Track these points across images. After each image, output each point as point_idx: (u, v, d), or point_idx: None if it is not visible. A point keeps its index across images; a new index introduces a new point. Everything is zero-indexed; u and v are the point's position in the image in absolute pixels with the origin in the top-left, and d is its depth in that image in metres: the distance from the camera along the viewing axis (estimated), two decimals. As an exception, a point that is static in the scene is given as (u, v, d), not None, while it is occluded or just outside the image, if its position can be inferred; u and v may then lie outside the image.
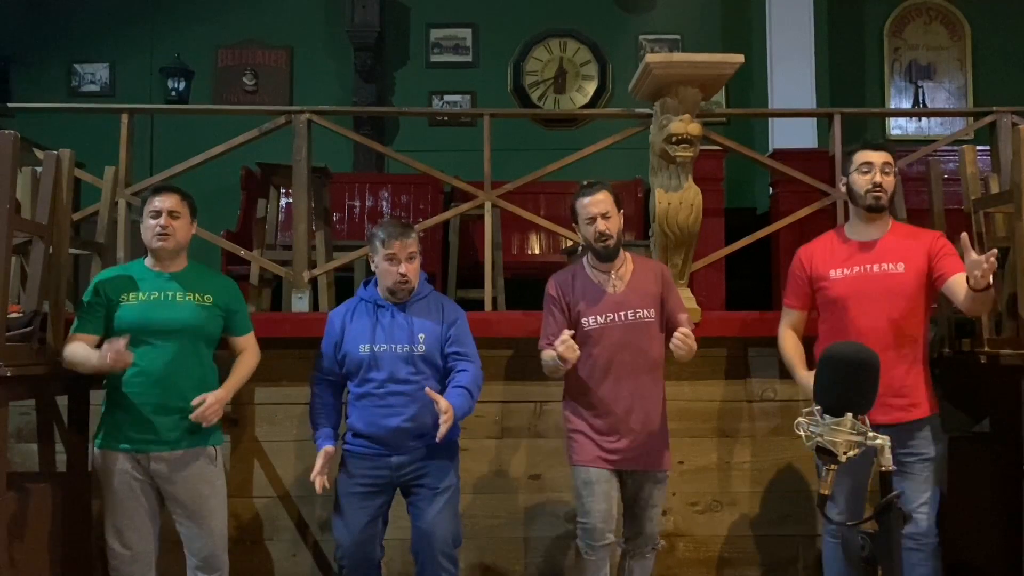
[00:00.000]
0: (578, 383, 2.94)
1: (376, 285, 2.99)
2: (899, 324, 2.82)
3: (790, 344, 3.03)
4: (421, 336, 2.88)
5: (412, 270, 2.89)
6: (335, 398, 3.01)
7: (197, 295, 2.87)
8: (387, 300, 2.94)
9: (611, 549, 2.88)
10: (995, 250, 2.57)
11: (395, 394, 2.84)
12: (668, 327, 2.96)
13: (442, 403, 2.72)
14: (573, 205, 2.98)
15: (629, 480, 2.93)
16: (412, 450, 2.86)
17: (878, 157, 2.89)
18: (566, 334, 2.75)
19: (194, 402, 2.77)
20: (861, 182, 2.89)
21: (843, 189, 3.03)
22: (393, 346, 2.86)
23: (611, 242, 2.90)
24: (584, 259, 3.05)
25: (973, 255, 2.59)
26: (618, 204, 2.95)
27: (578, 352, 2.76)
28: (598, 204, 2.89)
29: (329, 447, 2.88)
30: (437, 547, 2.82)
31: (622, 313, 2.91)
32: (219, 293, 2.91)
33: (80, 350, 2.76)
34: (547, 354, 2.90)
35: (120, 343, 2.60)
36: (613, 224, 2.90)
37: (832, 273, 2.92)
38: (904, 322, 2.83)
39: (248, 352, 3.03)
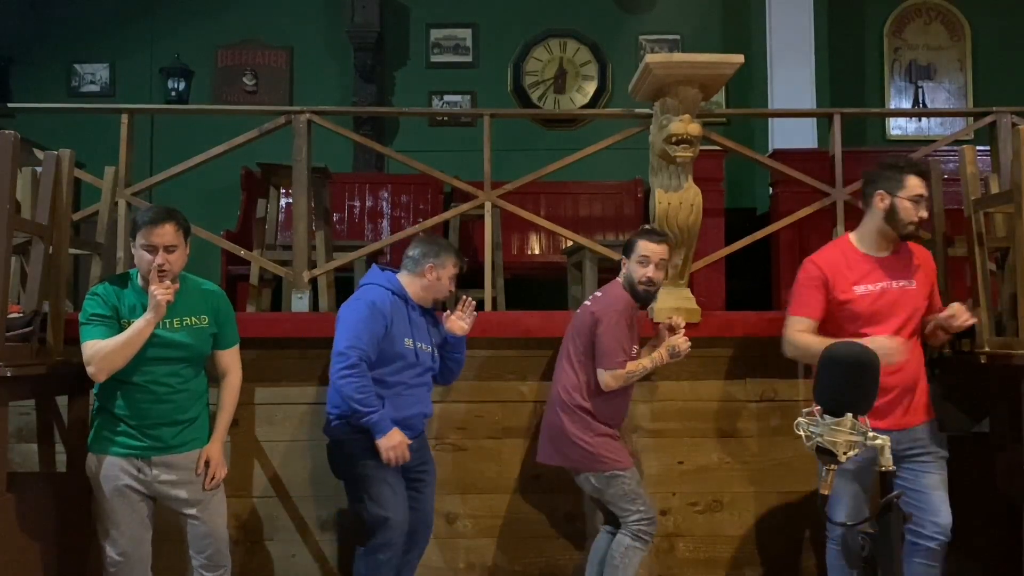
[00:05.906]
0: (610, 392, 3.11)
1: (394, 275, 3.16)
2: (913, 335, 2.92)
3: (814, 339, 2.84)
4: (434, 337, 3.17)
5: None
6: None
7: (193, 318, 2.86)
8: (415, 301, 3.13)
9: None
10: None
11: (420, 386, 3.10)
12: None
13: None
14: (633, 240, 3.17)
15: None
16: (418, 439, 3.12)
17: (928, 190, 2.93)
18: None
19: (198, 471, 2.84)
20: (911, 212, 2.86)
21: (880, 205, 2.89)
22: (422, 344, 3.10)
23: (654, 289, 3.16)
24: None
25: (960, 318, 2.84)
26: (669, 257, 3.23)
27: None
28: (662, 252, 3.13)
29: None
30: (431, 528, 3.26)
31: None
32: (212, 312, 2.91)
33: (112, 338, 2.69)
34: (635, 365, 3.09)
35: None
36: (662, 276, 3.16)
37: (856, 289, 2.88)
38: (917, 334, 2.95)
39: (232, 375, 3.00)
